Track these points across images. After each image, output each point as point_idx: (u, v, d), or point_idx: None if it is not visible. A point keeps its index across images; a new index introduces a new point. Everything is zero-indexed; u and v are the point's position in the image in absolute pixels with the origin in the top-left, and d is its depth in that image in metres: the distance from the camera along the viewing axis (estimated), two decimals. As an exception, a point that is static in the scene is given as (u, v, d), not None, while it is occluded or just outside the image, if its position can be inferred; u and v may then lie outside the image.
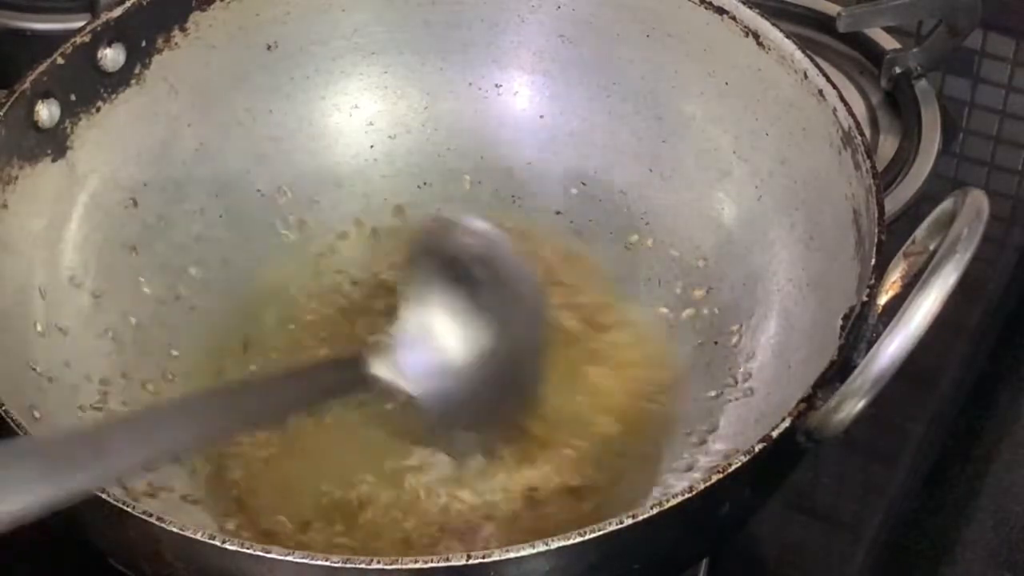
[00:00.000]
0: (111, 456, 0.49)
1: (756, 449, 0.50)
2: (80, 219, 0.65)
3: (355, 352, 0.59)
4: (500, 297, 0.60)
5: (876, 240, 0.55)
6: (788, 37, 0.64)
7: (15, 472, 0.45)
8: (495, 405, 0.61)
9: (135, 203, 0.67)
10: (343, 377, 0.59)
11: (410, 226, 0.71)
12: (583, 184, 0.71)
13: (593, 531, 0.47)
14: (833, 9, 0.84)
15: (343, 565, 0.46)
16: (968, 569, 0.61)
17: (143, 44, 0.66)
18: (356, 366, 0.58)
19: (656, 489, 0.60)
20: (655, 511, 0.48)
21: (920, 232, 0.54)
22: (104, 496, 0.49)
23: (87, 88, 0.64)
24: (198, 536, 0.47)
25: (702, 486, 0.49)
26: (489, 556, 0.47)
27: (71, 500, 0.46)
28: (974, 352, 0.71)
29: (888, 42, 0.84)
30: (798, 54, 0.63)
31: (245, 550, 0.47)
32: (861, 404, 0.49)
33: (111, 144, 0.66)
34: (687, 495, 0.48)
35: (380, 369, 0.58)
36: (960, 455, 0.67)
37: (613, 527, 0.47)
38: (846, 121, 0.60)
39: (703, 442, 0.62)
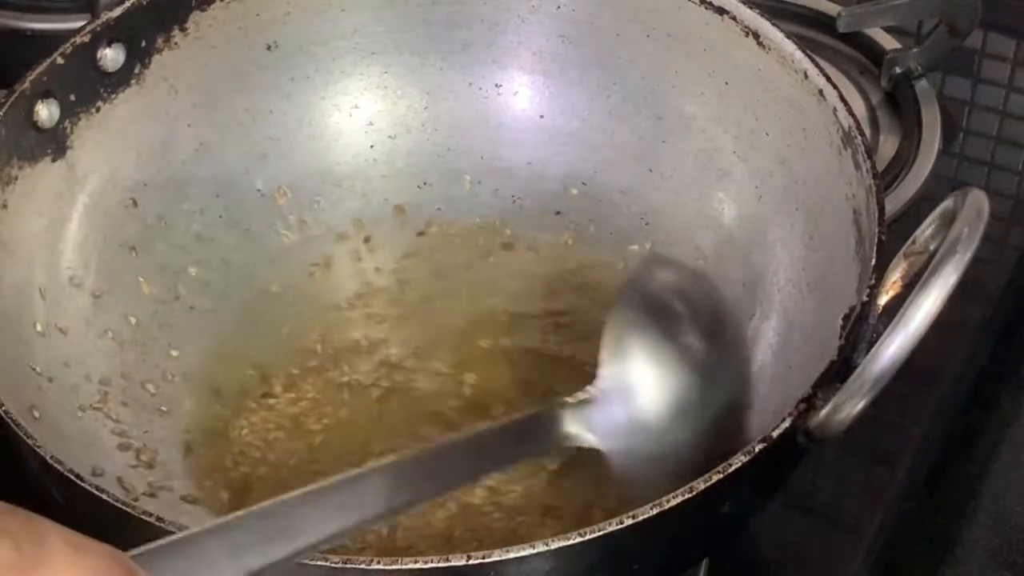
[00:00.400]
0: (299, 534, 0.45)
1: (756, 449, 0.50)
2: (80, 219, 0.65)
3: (548, 409, 0.54)
4: (704, 344, 0.56)
5: (876, 240, 0.55)
6: (788, 37, 0.64)
7: (204, 556, 0.43)
8: (694, 461, 0.54)
9: (135, 203, 0.67)
10: (536, 436, 0.54)
11: (411, 224, 0.71)
12: (583, 184, 0.71)
13: (593, 531, 0.47)
14: (833, 9, 0.84)
15: (343, 565, 0.46)
16: (968, 569, 0.61)
17: (143, 44, 0.66)
18: (550, 424, 0.53)
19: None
20: (655, 511, 0.48)
21: (920, 232, 0.54)
22: (104, 496, 0.49)
23: (87, 88, 0.64)
24: (198, 536, 0.47)
25: (702, 486, 0.49)
26: (489, 556, 0.47)
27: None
28: (974, 352, 0.71)
29: (888, 42, 0.84)
30: (798, 54, 0.63)
31: (245, 550, 0.47)
32: (861, 404, 0.49)
33: (111, 144, 0.66)
34: (687, 495, 0.48)
35: (574, 426, 0.54)
36: (960, 455, 0.67)
37: (613, 527, 0.47)
38: (846, 121, 0.60)
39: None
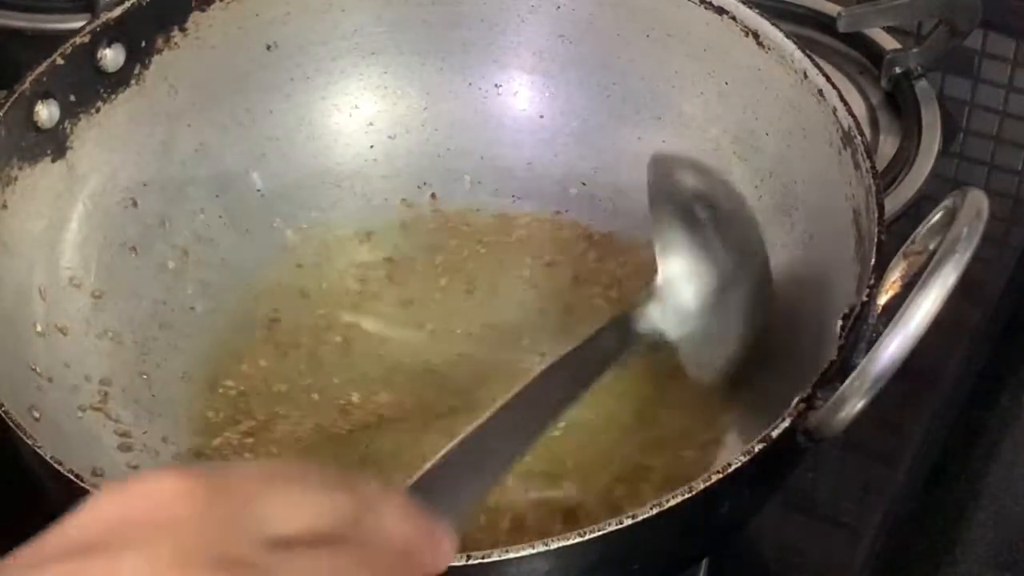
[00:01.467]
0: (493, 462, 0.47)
1: (756, 449, 0.50)
2: (80, 219, 0.65)
3: (620, 313, 0.60)
4: (725, 233, 0.61)
5: (876, 240, 0.55)
6: (788, 37, 0.64)
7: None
8: (736, 335, 0.62)
9: (135, 203, 0.67)
10: (616, 340, 0.59)
11: (411, 224, 0.71)
12: (583, 184, 0.71)
13: (593, 531, 0.47)
14: (833, 9, 0.84)
15: (343, 565, 0.46)
16: (968, 569, 0.61)
17: (143, 44, 0.66)
18: (626, 326, 0.59)
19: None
20: (655, 511, 0.48)
21: (920, 232, 0.54)
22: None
23: (87, 88, 0.64)
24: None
25: (702, 486, 0.49)
26: (489, 556, 0.47)
27: None
28: (974, 352, 0.71)
29: (888, 42, 0.84)
30: (798, 54, 0.63)
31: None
32: (861, 404, 0.49)
33: (111, 144, 0.66)
34: (687, 495, 0.48)
35: (646, 323, 0.59)
36: (960, 455, 0.67)
37: (613, 527, 0.47)
38: (846, 121, 0.60)
39: (702, 441, 0.62)
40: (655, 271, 0.61)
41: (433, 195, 0.72)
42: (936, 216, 0.53)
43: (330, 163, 0.72)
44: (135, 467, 0.61)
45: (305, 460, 0.62)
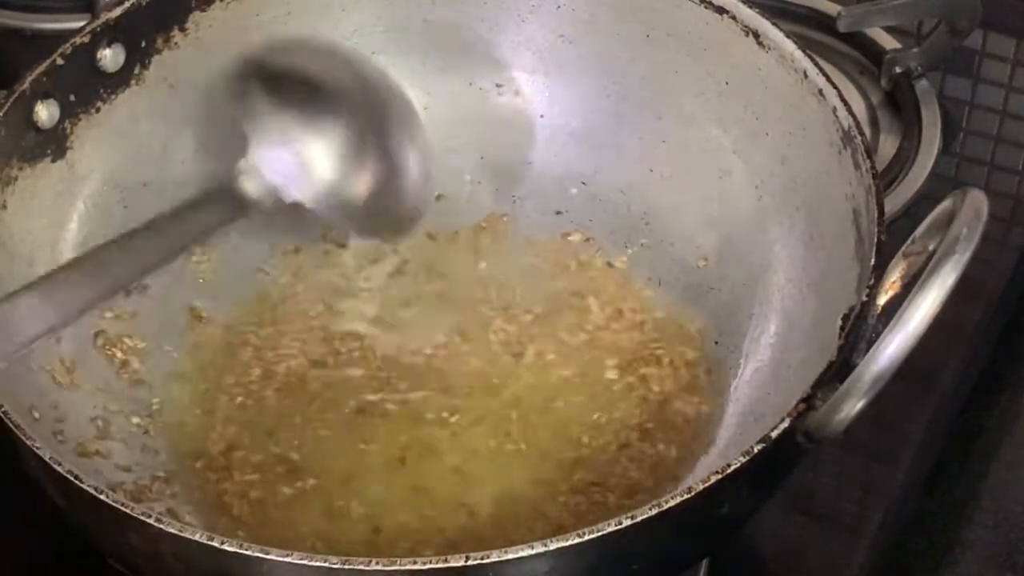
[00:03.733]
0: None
1: (755, 449, 0.50)
2: (80, 219, 0.65)
3: (222, 181, 0.62)
4: (339, 91, 0.63)
5: (876, 240, 0.55)
6: (788, 37, 0.64)
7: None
8: (371, 188, 0.64)
9: (135, 203, 0.67)
10: (222, 207, 0.61)
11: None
12: (583, 184, 0.71)
13: (593, 531, 0.47)
14: (833, 9, 0.84)
15: (342, 566, 0.46)
16: (968, 569, 0.61)
17: (143, 44, 0.66)
18: (229, 194, 0.61)
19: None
20: (655, 511, 0.48)
21: (920, 232, 0.54)
22: (103, 497, 0.49)
23: (87, 88, 0.64)
24: (197, 536, 0.47)
25: (702, 486, 0.49)
26: (488, 557, 0.47)
27: None
28: (974, 352, 0.71)
29: (888, 42, 0.84)
30: (798, 54, 0.63)
31: (244, 551, 0.47)
32: (861, 404, 0.49)
33: (111, 144, 0.66)
34: (687, 495, 0.48)
35: (252, 187, 0.62)
36: (960, 455, 0.67)
37: (612, 527, 0.47)
38: (846, 121, 0.60)
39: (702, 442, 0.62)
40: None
41: (433, 196, 0.72)
42: (936, 216, 0.53)
43: (330, 163, 0.72)
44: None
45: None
